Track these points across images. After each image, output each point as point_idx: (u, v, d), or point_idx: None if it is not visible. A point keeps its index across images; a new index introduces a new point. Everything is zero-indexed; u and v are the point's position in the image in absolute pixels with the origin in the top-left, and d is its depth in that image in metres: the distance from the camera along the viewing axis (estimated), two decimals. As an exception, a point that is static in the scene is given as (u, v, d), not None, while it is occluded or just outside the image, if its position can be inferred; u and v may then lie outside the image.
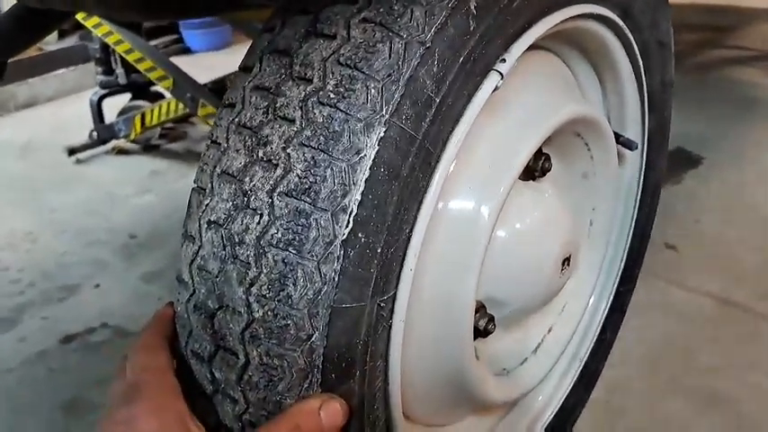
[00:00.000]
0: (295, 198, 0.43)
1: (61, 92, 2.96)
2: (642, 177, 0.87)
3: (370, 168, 0.43)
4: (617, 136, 0.79)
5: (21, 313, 1.50)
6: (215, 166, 0.46)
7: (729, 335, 1.29)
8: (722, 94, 2.60)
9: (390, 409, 0.56)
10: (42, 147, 2.46)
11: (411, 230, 0.49)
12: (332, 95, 0.43)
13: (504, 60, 0.52)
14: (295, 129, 0.43)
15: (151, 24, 3.34)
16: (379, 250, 0.45)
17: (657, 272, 1.49)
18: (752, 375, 1.18)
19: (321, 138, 0.42)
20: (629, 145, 0.80)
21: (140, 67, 1.82)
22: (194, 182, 0.49)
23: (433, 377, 0.64)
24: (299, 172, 0.43)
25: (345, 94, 0.42)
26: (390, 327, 0.51)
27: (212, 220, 0.46)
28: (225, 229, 0.45)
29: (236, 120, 0.46)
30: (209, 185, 0.47)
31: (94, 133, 2.22)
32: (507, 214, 0.65)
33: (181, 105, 1.93)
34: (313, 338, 0.44)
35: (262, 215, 0.43)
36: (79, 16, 1.70)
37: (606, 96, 0.79)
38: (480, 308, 0.69)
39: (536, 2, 0.52)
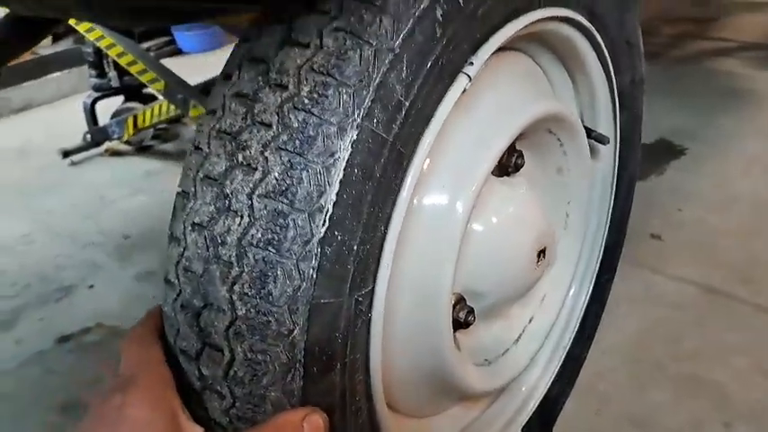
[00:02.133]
0: (273, 199, 0.45)
1: (57, 95, 2.98)
2: (617, 171, 0.90)
3: (344, 170, 0.45)
4: (590, 131, 0.82)
5: (18, 315, 1.53)
6: (198, 171, 0.49)
7: (713, 321, 1.31)
8: (704, 85, 2.62)
9: (373, 400, 0.58)
10: (37, 150, 2.48)
11: (386, 228, 0.52)
12: (306, 101, 0.45)
13: (471, 63, 0.54)
14: (272, 133, 0.45)
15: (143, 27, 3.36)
16: (355, 248, 0.48)
17: (642, 261, 1.52)
18: (735, 359, 1.20)
19: (297, 141, 0.45)
20: (601, 140, 0.82)
21: (132, 69, 1.85)
22: (179, 186, 0.51)
23: (416, 369, 0.67)
24: (276, 175, 0.45)
25: (319, 100, 0.45)
26: (369, 321, 0.54)
27: (196, 222, 0.48)
28: (208, 230, 0.47)
29: (217, 126, 0.48)
30: (193, 189, 0.49)
31: (88, 136, 2.25)
32: (483, 209, 0.68)
33: (173, 107, 1.95)
34: (294, 333, 0.46)
35: (242, 216, 0.46)
36: (72, 21, 1.72)
37: (578, 94, 0.82)
38: (460, 300, 0.72)
39: (500, 8, 0.55)
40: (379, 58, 0.45)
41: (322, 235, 0.45)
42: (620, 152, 0.90)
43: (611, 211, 0.93)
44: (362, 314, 0.51)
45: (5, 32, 1.03)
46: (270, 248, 0.45)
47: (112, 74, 2.17)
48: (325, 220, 0.45)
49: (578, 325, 0.93)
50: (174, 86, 1.79)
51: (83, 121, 2.28)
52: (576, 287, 0.91)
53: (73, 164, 2.30)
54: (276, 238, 0.45)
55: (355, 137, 0.45)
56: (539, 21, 0.63)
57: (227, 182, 0.47)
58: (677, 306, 1.37)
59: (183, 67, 2.18)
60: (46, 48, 3.08)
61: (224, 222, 0.46)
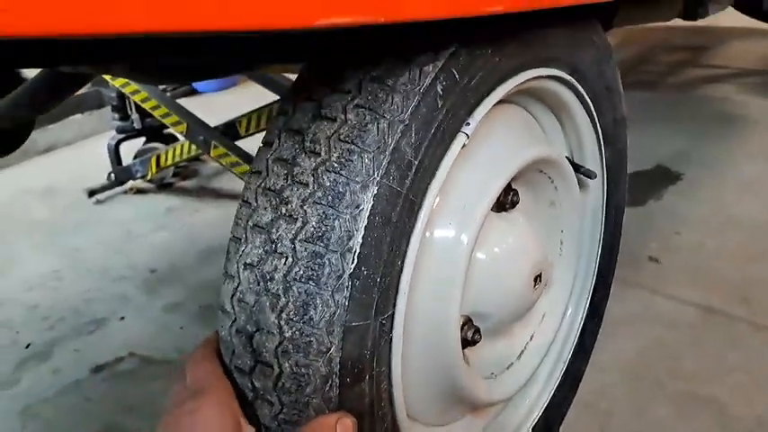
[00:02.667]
0: (312, 243, 0.56)
1: (78, 137, 3.15)
2: (605, 200, 1.00)
3: (367, 218, 0.56)
4: (578, 167, 0.93)
5: (53, 346, 1.61)
6: (248, 221, 0.60)
7: (711, 340, 1.34)
8: (699, 111, 2.69)
9: (395, 407, 0.68)
10: (63, 189, 2.61)
11: (403, 262, 0.62)
12: (335, 165, 0.56)
13: (468, 124, 0.65)
14: (309, 191, 0.57)
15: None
16: (378, 280, 0.59)
17: (641, 283, 1.56)
18: (734, 378, 1.23)
19: (329, 197, 0.56)
20: (588, 175, 0.93)
21: (156, 113, 1.97)
22: (231, 233, 0.62)
23: (430, 382, 0.77)
24: (313, 223, 0.56)
25: (346, 164, 0.56)
26: (391, 339, 0.64)
27: (248, 262, 0.59)
28: (258, 269, 0.58)
29: (263, 184, 0.60)
30: (244, 236, 0.60)
31: (112, 175, 2.39)
32: (485, 242, 0.78)
33: (193, 146, 2.08)
34: (331, 351, 0.57)
35: (287, 257, 0.57)
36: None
37: (567, 136, 0.93)
38: (467, 321, 0.82)
39: (490, 77, 0.66)
40: (392, 128, 0.57)
41: (352, 270, 0.56)
42: (607, 183, 1.01)
43: (602, 235, 1.03)
44: (385, 334, 0.62)
45: (43, 86, 1.15)
46: (310, 283, 0.56)
47: (135, 116, 2.32)
48: (354, 259, 0.56)
49: (576, 340, 1.02)
50: (196, 128, 1.91)
51: (104, 161, 2.41)
52: (572, 306, 1.01)
53: (98, 202, 2.43)
54: (315, 274, 0.56)
55: (376, 191, 0.56)
56: (525, 81, 0.74)
57: (273, 230, 0.58)
58: (676, 326, 1.39)
59: (197, 106, 2.31)
60: (68, 91, 3.27)
61: (271, 262, 0.57)
